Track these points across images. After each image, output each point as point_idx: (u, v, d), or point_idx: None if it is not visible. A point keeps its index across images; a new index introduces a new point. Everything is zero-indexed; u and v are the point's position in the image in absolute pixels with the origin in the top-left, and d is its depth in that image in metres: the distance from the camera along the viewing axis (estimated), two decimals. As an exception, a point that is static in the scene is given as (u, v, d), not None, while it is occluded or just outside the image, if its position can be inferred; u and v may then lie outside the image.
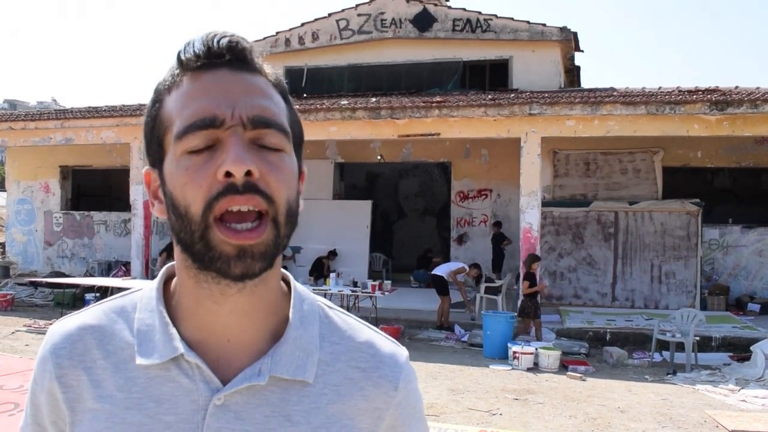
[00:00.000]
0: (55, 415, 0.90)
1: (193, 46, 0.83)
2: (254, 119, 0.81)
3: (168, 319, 0.88)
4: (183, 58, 0.84)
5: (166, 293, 0.92)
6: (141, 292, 0.93)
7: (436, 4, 16.77)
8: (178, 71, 0.85)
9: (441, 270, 11.63)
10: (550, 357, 9.13)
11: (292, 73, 16.80)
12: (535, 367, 9.12)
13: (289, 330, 0.89)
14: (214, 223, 0.78)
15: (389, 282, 12.05)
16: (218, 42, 0.83)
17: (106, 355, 0.88)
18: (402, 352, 0.97)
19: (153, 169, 0.88)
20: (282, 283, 0.94)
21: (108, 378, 0.87)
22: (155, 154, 0.86)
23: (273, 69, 0.89)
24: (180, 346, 0.85)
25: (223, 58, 0.83)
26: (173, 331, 0.86)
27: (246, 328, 0.87)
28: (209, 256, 0.80)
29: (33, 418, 0.93)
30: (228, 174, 0.77)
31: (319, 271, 14.33)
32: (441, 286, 11.49)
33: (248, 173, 0.78)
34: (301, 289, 0.95)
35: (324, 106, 12.82)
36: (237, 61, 0.83)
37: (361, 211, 16.21)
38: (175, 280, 0.91)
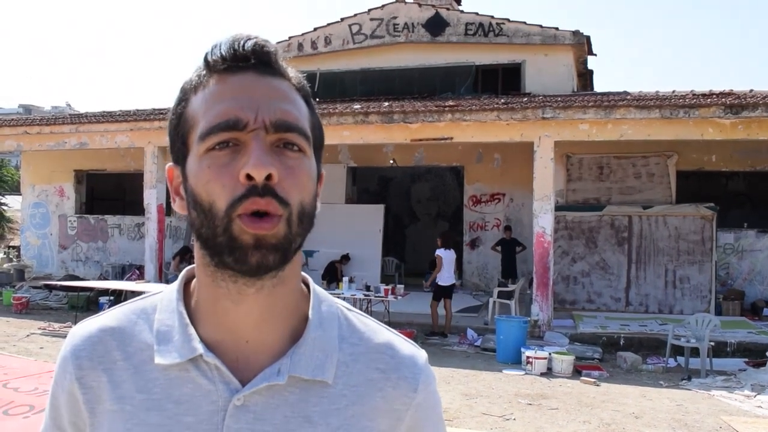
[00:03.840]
0: (75, 417, 0.90)
1: (220, 49, 0.85)
2: (276, 123, 0.82)
3: (187, 320, 0.88)
4: (210, 59, 0.86)
5: (186, 295, 0.93)
6: (161, 294, 0.94)
7: (448, 9, 16.77)
8: (204, 72, 0.86)
9: (449, 279, 11.47)
10: (564, 362, 9.10)
11: (305, 78, 16.79)
12: (549, 372, 9.08)
13: (309, 331, 0.89)
14: (237, 218, 0.80)
15: (402, 286, 12.03)
16: (244, 45, 0.84)
17: (126, 356, 0.89)
18: (421, 354, 0.97)
19: (176, 166, 0.90)
20: (302, 285, 0.95)
21: (128, 379, 0.87)
22: (179, 151, 0.88)
23: (296, 73, 0.91)
24: (199, 347, 0.86)
25: (248, 61, 0.84)
26: (192, 331, 0.87)
27: (265, 329, 0.88)
28: (230, 247, 0.81)
29: (53, 420, 0.94)
30: (249, 177, 0.79)
31: (332, 276, 14.34)
32: (450, 290, 11.45)
33: (269, 177, 0.79)
34: (320, 291, 0.96)
35: (337, 111, 12.83)
36: (262, 65, 0.85)
37: (374, 215, 16.22)
38: (194, 281, 0.92)
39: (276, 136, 0.82)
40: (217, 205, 0.81)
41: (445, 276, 11.32)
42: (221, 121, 0.81)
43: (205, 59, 0.86)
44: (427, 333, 11.31)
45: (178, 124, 0.88)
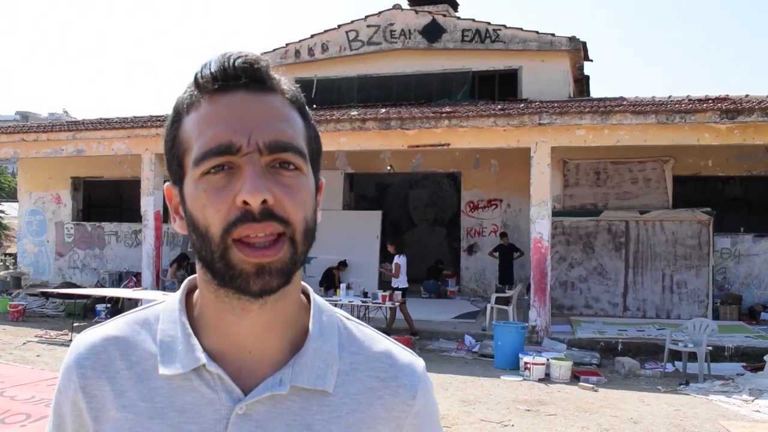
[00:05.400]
0: (78, 425, 0.91)
1: (210, 68, 0.84)
2: (271, 144, 0.82)
3: (190, 330, 0.89)
4: (200, 80, 0.85)
5: (189, 305, 0.93)
6: (164, 304, 0.95)
7: (445, 15, 16.82)
8: (196, 92, 0.86)
9: (406, 282, 11.85)
10: (562, 368, 9.09)
11: (302, 85, 16.15)
12: (547, 378, 9.07)
13: (309, 341, 0.90)
14: (233, 244, 0.80)
15: (399, 293, 12.03)
16: (234, 63, 0.84)
17: (130, 365, 0.90)
18: (419, 362, 0.98)
19: (174, 186, 0.90)
20: (302, 295, 0.95)
21: (131, 388, 0.88)
22: (175, 173, 0.88)
23: (290, 84, 0.90)
24: (202, 357, 0.86)
25: (239, 80, 0.83)
26: (195, 341, 0.88)
27: (267, 340, 0.89)
28: (229, 275, 0.81)
29: (57, 429, 0.95)
30: (245, 202, 0.79)
31: (330, 282, 14.33)
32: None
33: (264, 201, 0.79)
34: (320, 301, 0.97)
35: (334, 117, 12.85)
36: (253, 82, 0.84)
37: (371, 221, 16.22)
38: (197, 292, 0.93)
39: (271, 157, 0.82)
40: (212, 230, 0.81)
41: (403, 279, 11.76)
42: (214, 146, 0.81)
43: (195, 79, 0.86)
44: (412, 333, 11.42)
45: (173, 146, 0.88)
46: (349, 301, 11.20)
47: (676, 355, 9.76)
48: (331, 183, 16.17)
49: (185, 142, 0.85)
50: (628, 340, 11.01)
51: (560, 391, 8.51)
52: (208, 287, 0.87)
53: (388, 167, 16.40)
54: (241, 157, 0.81)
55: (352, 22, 17.22)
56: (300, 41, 17.52)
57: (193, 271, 0.95)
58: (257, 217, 0.79)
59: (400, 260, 11.79)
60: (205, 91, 0.84)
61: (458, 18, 16.86)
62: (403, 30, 16.66)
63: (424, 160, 16.19)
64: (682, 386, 8.81)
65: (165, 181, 0.94)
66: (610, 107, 11.62)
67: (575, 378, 9.05)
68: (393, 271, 11.82)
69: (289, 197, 0.82)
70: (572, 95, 16.38)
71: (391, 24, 16.76)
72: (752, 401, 7.99)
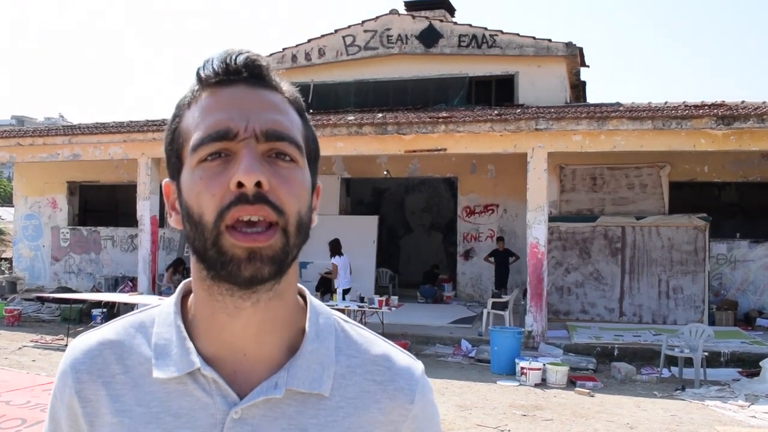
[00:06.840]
0: (74, 430, 0.91)
1: (212, 63, 0.86)
2: (267, 132, 0.83)
3: (185, 334, 0.89)
4: (202, 74, 0.86)
5: (184, 308, 0.93)
6: (159, 308, 0.95)
7: (441, 21, 16.85)
8: (197, 87, 0.87)
9: (348, 284, 12.09)
10: (558, 373, 9.09)
11: (299, 89, 16.76)
12: (543, 383, 9.07)
13: (305, 343, 0.90)
14: (225, 230, 0.80)
15: (396, 297, 12.07)
16: (235, 59, 0.85)
17: (125, 369, 0.89)
18: (417, 365, 0.97)
19: (172, 181, 0.90)
20: (298, 297, 0.95)
21: (127, 392, 0.88)
22: (174, 166, 0.89)
23: (289, 86, 0.91)
24: (196, 361, 0.86)
25: (240, 74, 0.85)
26: (190, 345, 0.87)
27: (262, 341, 0.88)
28: (221, 261, 0.81)
29: None
30: (240, 184, 0.79)
31: (326, 287, 14.31)
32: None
33: (258, 184, 0.79)
34: (316, 303, 0.96)
35: (331, 122, 12.86)
36: (254, 78, 0.86)
37: (368, 226, 16.21)
38: (192, 295, 0.92)
39: (267, 146, 0.83)
40: (206, 217, 0.81)
41: (344, 281, 11.97)
42: (212, 132, 0.82)
43: (198, 74, 0.87)
44: None
45: (173, 139, 0.89)
46: (346, 306, 11.18)
47: (672, 361, 9.76)
48: (328, 188, 16.17)
49: (184, 133, 0.86)
50: (625, 345, 11.01)
51: (557, 396, 8.51)
52: (202, 285, 0.87)
53: (385, 172, 16.41)
54: (237, 143, 0.82)
55: (349, 27, 17.24)
56: (297, 46, 17.52)
57: (189, 276, 0.95)
58: (251, 199, 0.79)
59: (336, 261, 12.01)
60: (207, 85, 0.86)
61: (455, 23, 16.88)
62: (400, 35, 16.68)
63: (421, 165, 16.20)
64: (678, 391, 8.82)
65: (162, 181, 0.94)
66: (607, 113, 11.64)
67: (572, 383, 9.05)
68: (332, 273, 11.99)
69: (284, 187, 0.82)
70: (569, 101, 16.41)
71: (388, 29, 16.78)
72: (748, 407, 7.99)
